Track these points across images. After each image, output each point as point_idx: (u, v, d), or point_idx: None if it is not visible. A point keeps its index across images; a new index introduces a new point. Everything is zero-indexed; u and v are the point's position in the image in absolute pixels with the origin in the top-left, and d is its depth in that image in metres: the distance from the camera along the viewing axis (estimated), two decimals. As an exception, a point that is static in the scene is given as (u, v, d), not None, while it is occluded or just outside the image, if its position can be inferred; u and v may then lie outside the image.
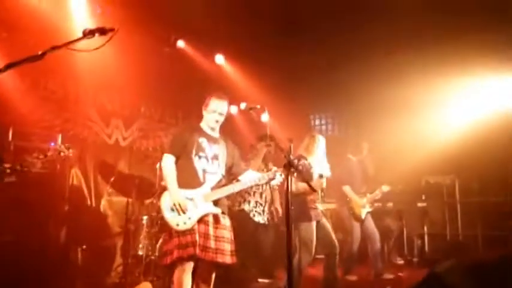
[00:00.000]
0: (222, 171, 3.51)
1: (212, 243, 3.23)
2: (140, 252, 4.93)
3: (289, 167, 2.98)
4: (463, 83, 6.13)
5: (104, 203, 5.91)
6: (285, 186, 2.96)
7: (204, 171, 3.41)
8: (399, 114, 6.32)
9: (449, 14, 5.25)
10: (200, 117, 3.64)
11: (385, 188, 5.72)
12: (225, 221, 3.41)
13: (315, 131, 7.39)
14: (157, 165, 4.96)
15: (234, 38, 6.58)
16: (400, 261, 6.57)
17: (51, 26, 5.23)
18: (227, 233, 3.37)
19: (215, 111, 3.50)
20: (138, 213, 5.25)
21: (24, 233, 4.74)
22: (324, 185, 4.68)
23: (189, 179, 3.35)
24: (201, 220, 3.27)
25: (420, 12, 5.26)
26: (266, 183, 3.58)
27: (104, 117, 6.19)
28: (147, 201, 5.48)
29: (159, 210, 5.05)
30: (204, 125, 3.60)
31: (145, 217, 5.10)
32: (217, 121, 3.53)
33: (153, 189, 5.22)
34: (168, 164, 3.40)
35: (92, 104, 6.11)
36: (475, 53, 5.45)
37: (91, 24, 5.57)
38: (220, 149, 3.55)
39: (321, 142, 4.84)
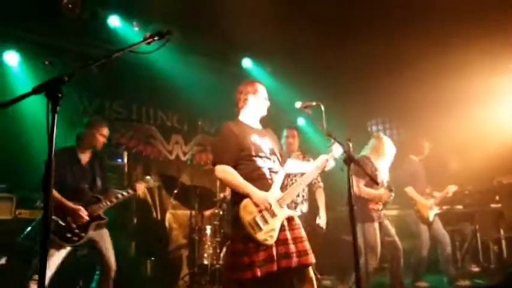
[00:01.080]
0: (281, 165, 3.27)
1: (293, 248, 2.98)
2: (205, 262, 5.01)
3: (349, 162, 2.93)
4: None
5: (168, 216, 6.11)
6: (347, 183, 2.90)
7: (270, 170, 3.13)
8: (463, 110, 6.01)
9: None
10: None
11: (452, 188, 5.44)
12: (297, 219, 3.15)
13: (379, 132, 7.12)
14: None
15: (288, 46, 6.58)
16: (476, 269, 6.15)
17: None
18: (302, 232, 3.10)
19: (266, 97, 3.29)
20: (201, 224, 5.36)
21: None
22: (392, 197, 4.57)
23: (257, 182, 3.02)
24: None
25: (476, 5, 5.05)
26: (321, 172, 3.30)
27: (165, 133, 6.46)
28: (209, 212, 5.59)
29: (221, 220, 5.23)
30: (247, 118, 3.28)
31: (208, 227, 5.20)
32: (267, 107, 3.30)
33: (214, 199, 5.33)
34: (227, 172, 3.01)
35: (153, 122, 6.40)
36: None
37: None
38: (271, 142, 3.28)
39: (388, 142, 4.75)
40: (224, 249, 5.03)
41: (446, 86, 6.06)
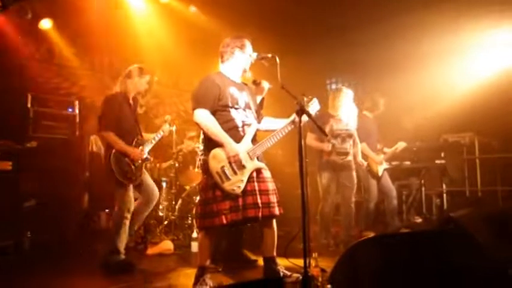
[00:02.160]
0: (256, 120, 3.35)
1: (259, 199, 3.11)
2: (161, 213, 5.05)
3: (301, 113, 2.98)
4: (479, 35, 5.95)
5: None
6: (298, 132, 2.96)
7: (243, 123, 3.22)
8: (416, 70, 6.17)
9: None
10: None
11: (402, 145, 5.68)
12: (266, 173, 3.26)
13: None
14: (173, 128, 4.90)
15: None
16: (419, 220, 6.54)
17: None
18: (271, 184, 3.23)
19: (251, 54, 3.31)
20: (157, 177, 5.34)
21: (47, 198, 4.90)
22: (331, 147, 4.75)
23: (229, 133, 3.11)
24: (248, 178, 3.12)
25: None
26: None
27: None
28: (165, 165, 5.56)
29: (177, 172, 5.22)
30: (229, 71, 3.33)
31: (164, 179, 5.19)
32: (250, 64, 3.34)
33: (170, 151, 5.30)
34: (207, 117, 3.08)
35: (108, 72, 6.18)
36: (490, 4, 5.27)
37: None
38: (248, 96, 3.36)
39: (347, 94, 4.86)
40: (180, 201, 5.07)
41: (401, 47, 6.18)
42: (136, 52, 6.07)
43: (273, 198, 3.22)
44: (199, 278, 3.11)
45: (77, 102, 5.28)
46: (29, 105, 4.92)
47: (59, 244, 4.82)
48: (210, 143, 3.14)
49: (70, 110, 5.23)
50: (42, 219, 4.83)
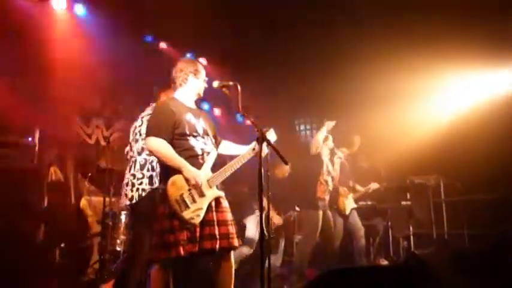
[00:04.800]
0: (215, 146, 3.24)
1: (217, 230, 2.97)
2: (118, 248, 4.81)
3: (262, 140, 2.95)
4: (444, 77, 6.17)
5: (83, 201, 5.78)
6: (258, 160, 2.91)
7: (203, 150, 3.09)
8: (383, 108, 6.31)
9: (432, 9, 5.34)
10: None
11: (375, 185, 5.73)
12: (225, 202, 3.13)
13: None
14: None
15: (214, 37, 6.60)
16: (385, 262, 6.46)
17: (32, 26, 5.25)
18: (229, 215, 3.10)
19: (205, 80, 3.26)
20: (116, 210, 5.14)
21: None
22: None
23: (189, 162, 2.96)
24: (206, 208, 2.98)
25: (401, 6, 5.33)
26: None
27: (84, 117, 6.15)
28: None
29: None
30: (183, 97, 3.22)
31: (124, 213, 4.99)
32: (204, 90, 3.28)
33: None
34: (164, 144, 2.93)
35: (73, 104, 6.08)
36: (459, 46, 5.49)
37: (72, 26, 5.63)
38: (205, 122, 3.24)
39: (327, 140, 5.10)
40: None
41: (373, 87, 6.33)
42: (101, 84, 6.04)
43: (232, 229, 3.09)
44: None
45: (37, 131, 5.11)
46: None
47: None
48: (166, 171, 3.00)
49: (29, 139, 5.05)
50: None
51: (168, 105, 3.10)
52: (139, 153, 3.55)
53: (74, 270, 5.16)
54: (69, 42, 5.60)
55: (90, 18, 5.82)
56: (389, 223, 6.40)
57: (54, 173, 5.55)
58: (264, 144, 3.20)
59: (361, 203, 6.02)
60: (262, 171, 2.89)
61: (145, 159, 3.52)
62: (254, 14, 6.26)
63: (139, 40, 6.57)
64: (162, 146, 2.95)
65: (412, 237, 6.52)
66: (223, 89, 3.23)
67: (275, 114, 7.33)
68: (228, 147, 3.41)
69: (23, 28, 5.02)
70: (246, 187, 5.73)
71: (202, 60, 7.20)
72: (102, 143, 6.26)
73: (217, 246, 2.95)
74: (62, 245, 5.23)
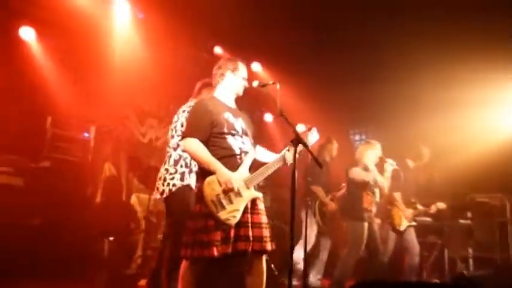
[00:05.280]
0: (253, 146, 3.15)
1: (251, 232, 2.88)
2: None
3: (296, 142, 2.86)
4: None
5: (133, 198, 5.98)
6: (293, 162, 2.84)
7: (241, 150, 3.01)
8: (439, 118, 5.94)
9: (495, 12, 4.97)
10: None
11: (441, 206, 5.36)
12: (261, 205, 3.04)
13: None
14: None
15: (271, 45, 6.61)
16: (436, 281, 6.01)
17: (94, 28, 5.53)
18: (264, 217, 3.01)
19: (245, 78, 3.16)
20: (161, 207, 5.25)
21: (52, 218, 4.90)
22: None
23: (225, 161, 2.91)
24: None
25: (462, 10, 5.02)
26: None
27: (140, 116, 6.38)
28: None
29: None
30: (222, 95, 3.15)
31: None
32: (244, 88, 3.18)
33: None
34: (197, 145, 2.89)
35: (130, 104, 6.33)
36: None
37: (132, 29, 5.86)
38: (245, 122, 3.15)
39: (375, 148, 4.86)
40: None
41: (433, 97, 5.99)
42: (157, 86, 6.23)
43: (266, 233, 2.98)
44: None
45: (93, 128, 5.37)
46: (47, 126, 5.04)
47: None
48: (203, 170, 2.94)
49: (86, 134, 5.32)
50: (45, 239, 4.80)
51: (205, 105, 3.05)
52: (174, 149, 3.58)
53: (120, 263, 5.33)
54: (129, 43, 5.82)
55: (149, 21, 6.03)
56: (446, 242, 5.98)
57: (109, 169, 5.78)
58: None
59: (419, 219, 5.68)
60: (296, 173, 2.80)
61: (180, 155, 3.54)
62: (307, 20, 6.16)
63: (196, 44, 6.71)
64: (197, 148, 2.91)
65: (471, 259, 6.06)
66: (263, 88, 3.19)
67: (329, 124, 7.15)
68: (261, 152, 3.29)
69: (85, 28, 5.29)
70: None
71: (257, 65, 7.22)
72: (155, 142, 6.44)
73: (250, 248, 2.87)
74: (111, 238, 5.38)
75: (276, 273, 4.66)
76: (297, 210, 5.27)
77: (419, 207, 5.29)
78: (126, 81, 6.14)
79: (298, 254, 5.08)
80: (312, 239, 5.35)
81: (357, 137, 8.32)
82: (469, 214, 6.04)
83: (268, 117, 7.30)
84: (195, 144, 2.90)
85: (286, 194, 5.58)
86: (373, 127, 8.06)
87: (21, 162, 4.64)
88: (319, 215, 5.43)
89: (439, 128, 6.03)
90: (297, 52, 6.56)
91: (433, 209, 5.29)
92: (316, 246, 5.47)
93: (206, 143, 2.96)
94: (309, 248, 5.11)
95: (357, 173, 4.73)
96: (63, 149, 5.12)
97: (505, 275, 3.22)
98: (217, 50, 6.79)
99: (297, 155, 2.86)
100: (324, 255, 5.46)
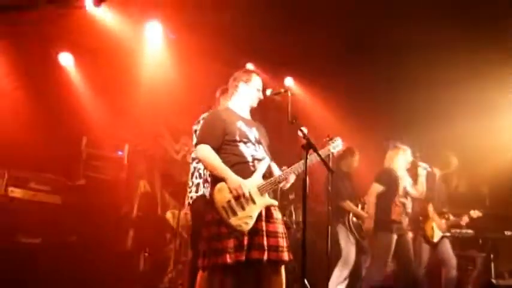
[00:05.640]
0: (268, 155, 3.14)
1: (265, 240, 2.85)
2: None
3: (307, 147, 2.84)
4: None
5: (169, 214, 6.12)
6: (304, 168, 2.82)
7: (253, 157, 3.02)
8: (477, 119, 5.62)
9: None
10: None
11: (475, 214, 5.10)
12: (277, 214, 3.03)
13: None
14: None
15: (302, 59, 6.60)
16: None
17: (128, 50, 5.79)
18: (281, 227, 2.98)
19: (259, 89, 3.20)
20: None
21: (88, 235, 5.08)
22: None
23: (238, 168, 2.94)
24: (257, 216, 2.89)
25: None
26: None
27: (174, 134, 6.56)
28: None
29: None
30: (236, 106, 3.21)
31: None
32: (258, 100, 3.20)
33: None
34: (209, 151, 2.92)
35: (163, 123, 6.54)
36: None
37: (164, 50, 6.07)
38: (259, 133, 3.18)
39: (405, 153, 4.69)
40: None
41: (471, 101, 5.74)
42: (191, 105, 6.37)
43: (282, 242, 2.94)
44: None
45: (126, 146, 5.58)
46: (83, 147, 5.31)
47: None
48: (216, 178, 2.97)
49: (120, 153, 5.54)
50: (82, 255, 4.98)
51: (219, 113, 3.13)
52: (190, 163, 3.68)
53: (154, 278, 5.43)
54: (161, 64, 6.02)
55: (181, 41, 6.22)
56: (492, 256, 5.62)
57: (144, 186, 5.96)
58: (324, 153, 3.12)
59: (455, 230, 5.41)
60: (308, 179, 2.78)
61: (194, 168, 3.63)
62: (337, 28, 6.10)
63: (229, 63, 6.83)
64: (208, 155, 2.93)
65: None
66: (275, 97, 3.21)
67: (363, 133, 7.01)
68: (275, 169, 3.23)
69: (119, 51, 5.56)
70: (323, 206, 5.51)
71: (290, 80, 7.24)
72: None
73: (265, 257, 2.83)
74: (146, 253, 5.51)
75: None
76: (332, 223, 5.22)
77: (452, 217, 5.05)
78: (159, 100, 6.37)
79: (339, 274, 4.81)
80: (353, 256, 5.15)
81: (391, 145, 8.05)
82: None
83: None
84: (206, 151, 2.94)
85: (319, 206, 5.52)
86: (405, 133, 7.78)
87: (58, 181, 4.87)
88: (355, 229, 5.24)
89: (474, 131, 5.72)
90: (328, 63, 6.48)
91: (464, 219, 5.01)
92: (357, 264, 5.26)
93: (218, 151, 2.99)
94: (350, 267, 4.91)
95: (375, 188, 4.56)
96: (98, 168, 5.34)
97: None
98: (249, 66, 6.87)
99: (308, 161, 2.84)
100: None
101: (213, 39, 6.12)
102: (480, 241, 5.71)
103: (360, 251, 5.07)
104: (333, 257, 5.17)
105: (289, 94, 3.12)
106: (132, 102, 5.99)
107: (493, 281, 2.66)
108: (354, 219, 5.16)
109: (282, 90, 3.19)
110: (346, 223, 5.11)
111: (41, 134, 5.09)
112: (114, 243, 5.43)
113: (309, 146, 2.85)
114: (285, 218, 5.54)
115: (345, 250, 4.99)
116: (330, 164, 3.24)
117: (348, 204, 5.10)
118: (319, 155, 2.90)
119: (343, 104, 6.87)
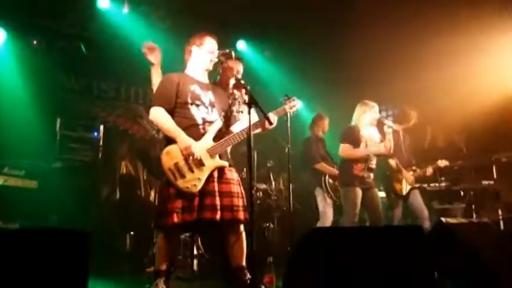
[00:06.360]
0: (221, 118, 3.19)
1: (218, 200, 2.92)
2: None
3: (249, 103, 2.85)
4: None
5: (153, 194, 6.16)
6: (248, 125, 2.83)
7: (204, 120, 3.09)
8: (445, 68, 5.52)
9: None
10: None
11: (442, 163, 5.11)
12: (232, 174, 3.09)
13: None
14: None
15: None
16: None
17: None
18: (236, 187, 3.05)
19: (212, 51, 3.19)
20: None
21: (69, 216, 5.14)
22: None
23: (188, 131, 3.00)
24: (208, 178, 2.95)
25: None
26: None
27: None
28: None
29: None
30: (192, 70, 3.25)
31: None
32: (211, 62, 3.20)
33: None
34: (162, 113, 3.00)
35: (142, 102, 6.56)
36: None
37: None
38: (215, 96, 3.23)
39: (371, 110, 4.58)
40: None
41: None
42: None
43: (238, 202, 3.02)
44: (153, 283, 2.98)
45: (101, 127, 5.60)
46: (57, 129, 5.33)
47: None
48: (169, 140, 3.04)
49: (95, 134, 5.56)
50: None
51: (171, 77, 3.17)
52: None
53: (141, 256, 5.50)
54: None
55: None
56: (474, 206, 5.65)
57: (125, 167, 5.99)
58: (275, 117, 3.14)
59: (434, 184, 5.45)
60: (252, 135, 2.80)
61: None
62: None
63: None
64: (160, 115, 3.03)
65: (502, 222, 5.67)
66: (220, 57, 3.21)
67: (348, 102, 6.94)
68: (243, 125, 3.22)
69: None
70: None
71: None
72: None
73: (218, 217, 2.90)
74: (132, 233, 5.57)
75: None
76: (311, 187, 5.27)
77: (418, 170, 5.08)
78: (137, 82, 6.38)
79: None
80: (330, 216, 5.22)
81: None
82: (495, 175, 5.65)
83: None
84: (159, 113, 3.03)
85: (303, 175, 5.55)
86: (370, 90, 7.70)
87: (33, 165, 4.90)
88: (331, 190, 5.30)
89: (445, 81, 5.62)
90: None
91: (428, 170, 5.02)
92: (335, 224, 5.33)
93: (172, 114, 3.05)
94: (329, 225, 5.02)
95: (345, 151, 4.52)
96: (74, 149, 5.38)
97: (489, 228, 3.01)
98: (240, 45, 6.86)
99: (251, 116, 2.85)
100: None
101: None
102: (462, 193, 5.73)
103: (337, 212, 5.14)
104: (312, 219, 5.29)
105: (233, 54, 3.13)
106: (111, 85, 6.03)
107: (443, 219, 2.67)
108: (330, 180, 5.21)
109: (227, 50, 3.19)
110: (323, 185, 5.17)
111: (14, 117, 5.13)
112: (99, 223, 5.48)
113: (251, 102, 2.85)
114: (264, 186, 5.58)
115: (322, 212, 5.07)
116: (288, 123, 3.31)
117: (322, 165, 5.17)
118: (262, 111, 2.91)
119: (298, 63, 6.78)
